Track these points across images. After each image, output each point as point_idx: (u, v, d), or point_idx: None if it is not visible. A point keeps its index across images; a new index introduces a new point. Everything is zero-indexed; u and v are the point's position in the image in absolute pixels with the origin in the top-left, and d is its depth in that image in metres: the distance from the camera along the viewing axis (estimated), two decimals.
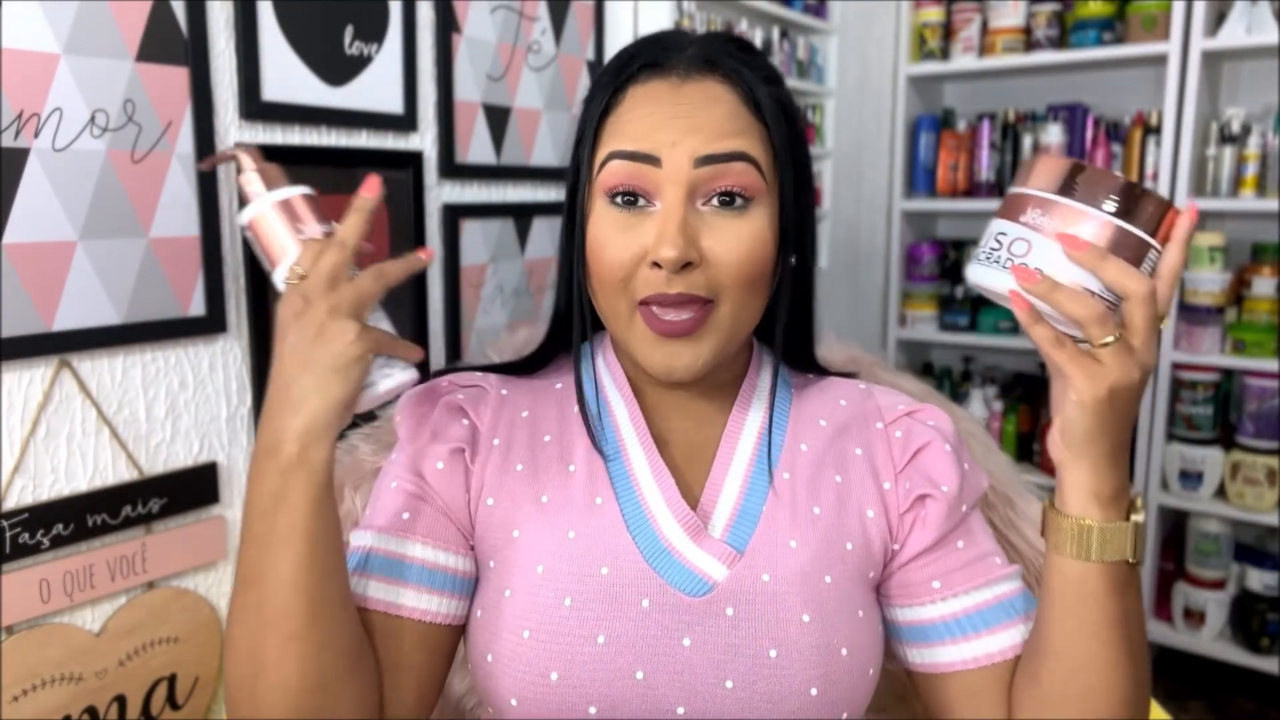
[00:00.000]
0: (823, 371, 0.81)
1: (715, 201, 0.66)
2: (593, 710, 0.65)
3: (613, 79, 0.69)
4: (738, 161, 0.65)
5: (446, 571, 0.70)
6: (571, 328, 0.75)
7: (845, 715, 0.68)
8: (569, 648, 0.65)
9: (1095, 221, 0.57)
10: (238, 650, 0.63)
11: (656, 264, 0.64)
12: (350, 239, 0.64)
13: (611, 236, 0.66)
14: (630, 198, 0.66)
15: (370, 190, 0.66)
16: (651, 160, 0.65)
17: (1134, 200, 0.57)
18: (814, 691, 0.65)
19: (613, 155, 0.66)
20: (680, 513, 0.70)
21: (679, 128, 0.65)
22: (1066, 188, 0.58)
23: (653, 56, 0.68)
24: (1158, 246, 0.58)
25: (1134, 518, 0.62)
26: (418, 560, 0.69)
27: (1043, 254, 0.57)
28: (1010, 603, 0.71)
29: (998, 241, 0.60)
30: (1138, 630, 0.64)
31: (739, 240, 0.65)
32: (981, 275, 0.61)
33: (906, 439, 0.74)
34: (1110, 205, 0.57)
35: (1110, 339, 0.56)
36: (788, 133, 0.69)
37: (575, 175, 0.71)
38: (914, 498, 0.72)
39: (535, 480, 0.72)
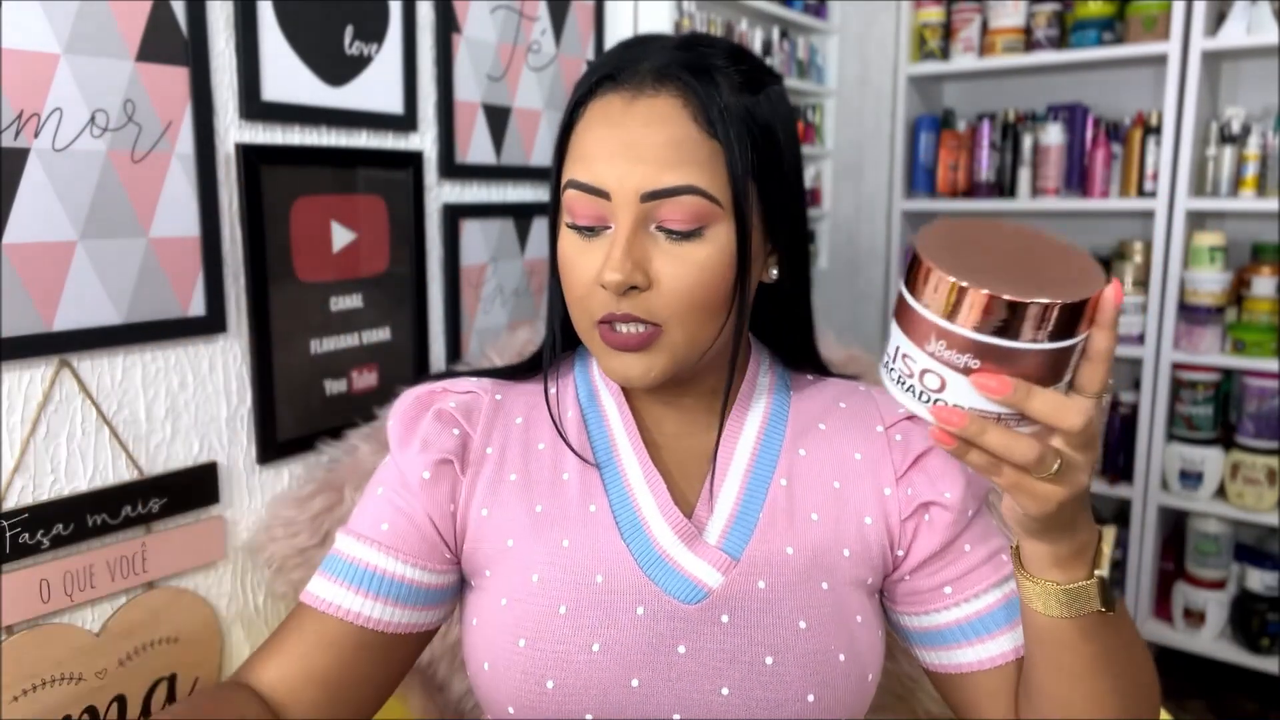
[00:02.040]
0: (822, 372, 0.81)
1: (667, 229, 0.65)
2: (589, 717, 0.65)
3: (575, 91, 0.70)
4: (684, 195, 0.64)
5: (417, 585, 0.70)
6: (566, 331, 0.76)
7: None
8: (564, 656, 0.65)
9: (1009, 352, 0.49)
10: None
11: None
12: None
13: (573, 258, 0.68)
14: (589, 229, 0.67)
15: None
16: (602, 194, 0.65)
17: (1044, 316, 0.48)
18: (811, 698, 0.65)
19: (570, 184, 0.67)
20: (674, 519, 0.69)
21: (626, 158, 0.64)
22: (966, 316, 0.49)
23: (612, 68, 0.67)
24: (1082, 338, 0.51)
25: (1098, 573, 0.58)
26: (392, 575, 0.70)
27: (959, 390, 0.51)
28: (1011, 604, 0.71)
29: (905, 365, 0.53)
30: (1123, 665, 0.62)
31: (688, 267, 0.65)
32: (902, 399, 0.54)
33: (907, 444, 0.73)
34: (1017, 331, 0.49)
35: (1054, 469, 0.51)
36: (759, 145, 0.67)
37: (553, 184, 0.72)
38: (916, 504, 0.71)
39: (529, 490, 0.72)
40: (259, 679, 0.69)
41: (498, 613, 0.68)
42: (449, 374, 0.80)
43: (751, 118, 0.66)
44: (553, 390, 0.77)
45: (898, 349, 0.53)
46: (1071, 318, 0.49)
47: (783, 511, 0.71)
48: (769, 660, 0.65)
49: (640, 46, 0.69)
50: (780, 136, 0.69)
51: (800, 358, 0.80)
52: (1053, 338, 0.49)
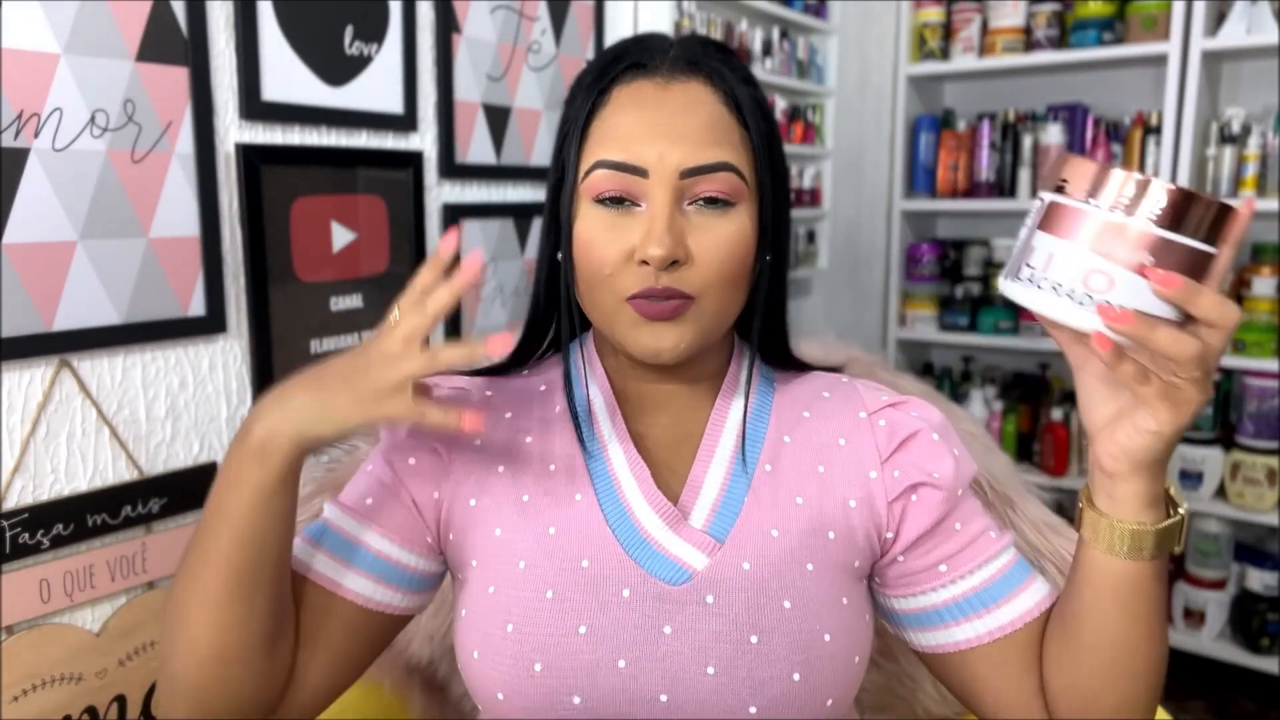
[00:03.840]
0: (803, 366, 0.82)
1: (700, 201, 0.67)
2: (576, 700, 0.66)
3: (597, 80, 0.70)
4: (721, 171, 0.67)
5: (392, 562, 0.72)
6: (549, 327, 0.78)
7: (830, 702, 0.69)
8: (551, 639, 0.67)
9: (1175, 249, 0.51)
10: (169, 608, 0.67)
11: (645, 261, 0.66)
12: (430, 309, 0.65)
13: (599, 235, 0.68)
14: (617, 199, 0.68)
15: (447, 246, 0.66)
16: (638, 172, 0.66)
17: (1201, 212, 0.51)
18: (796, 677, 0.66)
19: (600, 164, 0.68)
20: (658, 504, 0.71)
21: (664, 137, 0.66)
22: (1150, 209, 0.52)
23: (636, 57, 0.70)
24: (1216, 252, 0.53)
25: (1181, 510, 0.62)
26: (368, 546, 0.71)
27: (1126, 288, 0.52)
28: (1011, 573, 0.72)
29: (1062, 270, 0.54)
30: (1165, 606, 0.67)
31: (722, 240, 0.67)
32: (1048, 307, 0.55)
33: (891, 428, 0.75)
34: (1186, 226, 0.51)
35: (1200, 372, 0.54)
36: (766, 133, 0.70)
37: (559, 175, 0.72)
38: (905, 486, 0.73)
39: (516, 480, 0.73)
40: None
41: (485, 600, 0.70)
42: (440, 372, 0.81)
43: (760, 106, 0.71)
44: (544, 386, 0.79)
45: (1050, 256, 0.54)
46: (1216, 220, 0.52)
47: (767, 495, 0.72)
48: (754, 639, 0.66)
49: (658, 39, 0.72)
50: (776, 129, 0.73)
51: (779, 351, 0.81)
52: (1211, 241, 0.52)
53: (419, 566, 0.73)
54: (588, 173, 0.68)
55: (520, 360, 0.81)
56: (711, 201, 0.67)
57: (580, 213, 0.69)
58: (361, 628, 0.71)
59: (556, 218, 0.72)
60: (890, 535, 0.73)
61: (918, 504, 0.72)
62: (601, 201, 0.68)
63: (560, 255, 0.72)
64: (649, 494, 0.71)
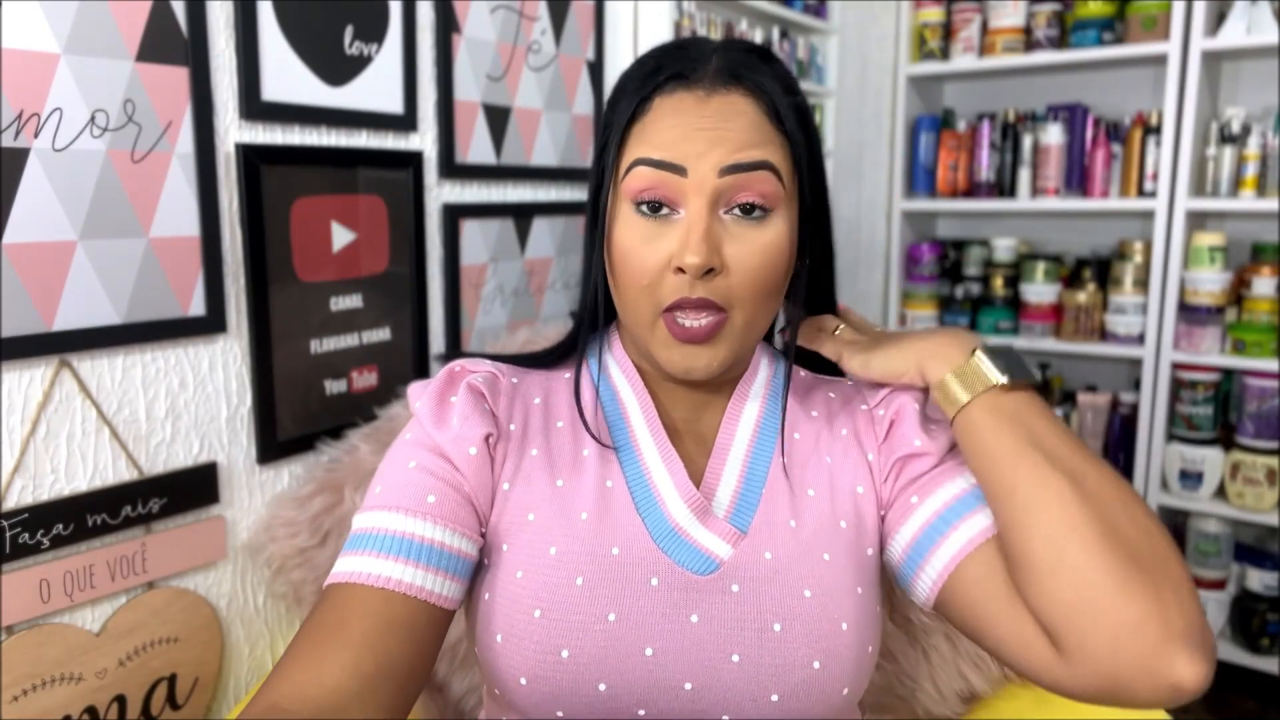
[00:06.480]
0: (821, 369, 0.85)
1: (737, 210, 0.69)
2: (602, 687, 0.67)
3: (640, 88, 0.71)
4: (761, 170, 0.68)
5: (461, 556, 0.70)
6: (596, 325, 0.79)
7: (845, 691, 0.70)
8: (580, 626, 0.67)
9: None
10: None
11: (681, 269, 0.67)
12: None
13: (637, 245, 0.69)
14: (655, 205, 0.69)
15: None
16: (678, 170, 0.68)
17: None
18: (816, 665, 0.68)
19: (639, 161, 0.69)
20: (688, 494, 0.72)
21: (704, 140, 0.68)
22: None
23: (678, 68, 0.71)
24: None
25: (976, 350, 0.70)
26: (444, 545, 0.69)
27: None
28: (974, 492, 0.71)
29: None
30: (1065, 449, 0.65)
31: (757, 250, 0.69)
32: None
33: (886, 415, 0.78)
34: None
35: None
36: (805, 142, 0.72)
37: (599, 179, 0.74)
38: (894, 460, 0.75)
39: (550, 465, 0.74)
40: (320, 677, 0.61)
41: (513, 584, 0.70)
42: (464, 354, 0.82)
43: (802, 114, 0.72)
44: (569, 375, 0.80)
45: None
46: None
47: (783, 487, 0.74)
48: (777, 627, 0.68)
49: (699, 47, 0.72)
50: (817, 136, 0.75)
51: (808, 355, 0.83)
52: None
53: (476, 555, 0.72)
54: (628, 170, 0.70)
55: (560, 354, 0.82)
56: (748, 210, 0.68)
57: (619, 217, 0.71)
58: (440, 630, 0.69)
59: (597, 220, 0.74)
60: (884, 513, 0.76)
61: (903, 472, 0.75)
62: (640, 208, 0.69)
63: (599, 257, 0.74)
64: (680, 484, 0.73)
